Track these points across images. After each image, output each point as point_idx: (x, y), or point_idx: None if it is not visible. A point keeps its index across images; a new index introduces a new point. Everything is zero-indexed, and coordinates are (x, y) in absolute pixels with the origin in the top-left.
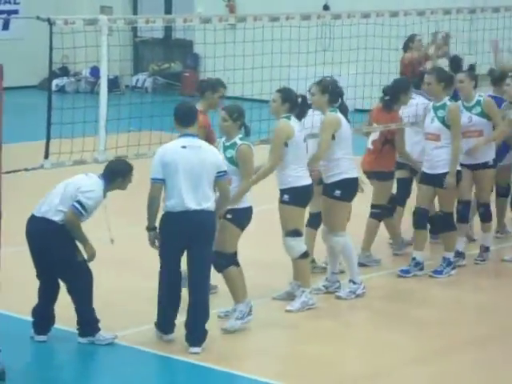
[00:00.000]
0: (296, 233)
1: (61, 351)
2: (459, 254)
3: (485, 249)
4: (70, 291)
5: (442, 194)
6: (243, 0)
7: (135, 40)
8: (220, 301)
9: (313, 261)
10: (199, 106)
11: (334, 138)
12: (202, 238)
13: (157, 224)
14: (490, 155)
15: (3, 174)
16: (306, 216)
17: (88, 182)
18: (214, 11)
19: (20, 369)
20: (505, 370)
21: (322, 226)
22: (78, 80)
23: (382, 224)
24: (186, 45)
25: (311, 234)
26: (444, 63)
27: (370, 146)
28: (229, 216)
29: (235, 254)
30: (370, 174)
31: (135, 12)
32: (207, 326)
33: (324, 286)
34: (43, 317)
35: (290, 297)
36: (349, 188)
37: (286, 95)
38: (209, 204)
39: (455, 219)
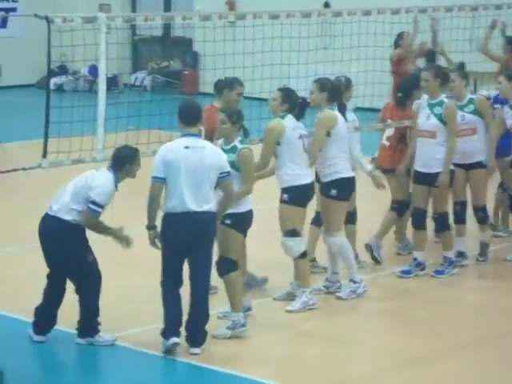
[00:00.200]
0: (294, 233)
1: (60, 352)
2: (461, 254)
3: (485, 245)
4: (77, 291)
5: (436, 194)
6: None
7: (134, 38)
8: (219, 301)
9: (313, 260)
10: (216, 104)
11: (329, 135)
12: (202, 240)
13: (157, 223)
14: (483, 154)
15: (1, 173)
16: (310, 215)
17: (98, 177)
18: (213, 9)
19: (19, 370)
20: (506, 371)
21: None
22: (76, 78)
23: None
24: (185, 43)
25: (315, 232)
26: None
27: (385, 142)
28: (228, 222)
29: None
30: (387, 171)
31: (134, 10)
32: (207, 327)
33: (324, 286)
34: (45, 318)
35: (290, 297)
36: (345, 187)
37: (287, 95)
38: (210, 206)
39: (453, 220)
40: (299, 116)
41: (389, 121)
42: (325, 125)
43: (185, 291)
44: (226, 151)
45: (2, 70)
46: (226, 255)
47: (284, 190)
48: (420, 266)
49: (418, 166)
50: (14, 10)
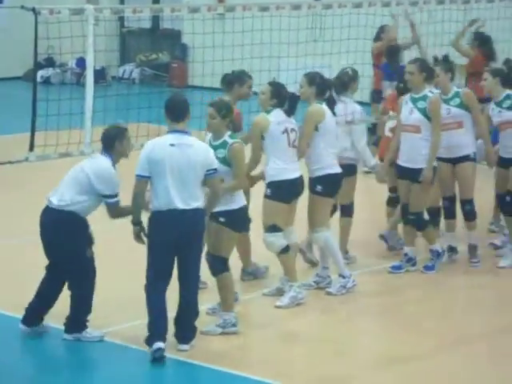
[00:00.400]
0: (274, 228)
1: (48, 348)
2: (452, 249)
3: (473, 247)
4: (71, 286)
5: (416, 191)
6: None
7: (122, 30)
8: (209, 296)
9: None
10: (225, 98)
11: (317, 129)
12: (190, 238)
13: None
14: (470, 148)
15: None
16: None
17: (97, 167)
18: (202, 1)
19: (7, 366)
20: (496, 367)
21: None
22: (63, 71)
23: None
24: (173, 35)
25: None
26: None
27: (388, 133)
28: (222, 220)
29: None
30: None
31: (122, 2)
32: (197, 323)
33: (315, 281)
34: (35, 311)
35: (280, 292)
36: (331, 184)
37: (277, 90)
38: (197, 203)
39: (443, 215)
40: (290, 111)
41: (391, 112)
42: (312, 119)
43: (172, 287)
44: (215, 147)
45: None
46: (218, 254)
47: (268, 185)
48: (411, 261)
49: (402, 161)
50: (0, 1)
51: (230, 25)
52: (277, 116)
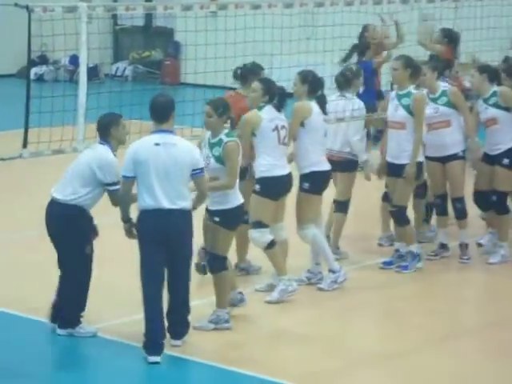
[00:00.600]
0: (259, 224)
1: (41, 343)
2: (443, 246)
3: (465, 246)
4: (65, 280)
5: (400, 186)
6: None
7: (115, 28)
8: (203, 291)
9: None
10: (241, 91)
11: (303, 125)
12: (177, 237)
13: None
14: (459, 146)
15: None
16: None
17: (97, 157)
18: None
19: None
20: (486, 362)
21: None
22: (57, 68)
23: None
24: (166, 32)
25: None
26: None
27: None
28: (216, 219)
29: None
30: None
31: None
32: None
33: (306, 277)
34: (59, 310)
35: (272, 288)
36: (317, 181)
37: (268, 87)
38: (184, 203)
39: (435, 212)
40: (280, 105)
41: None
42: (298, 115)
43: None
44: (212, 144)
45: None
46: (216, 252)
47: (257, 181)
48: (402, 257)
49: (389, 158)
50: None
51: (222, 23)
52: (269, 113)
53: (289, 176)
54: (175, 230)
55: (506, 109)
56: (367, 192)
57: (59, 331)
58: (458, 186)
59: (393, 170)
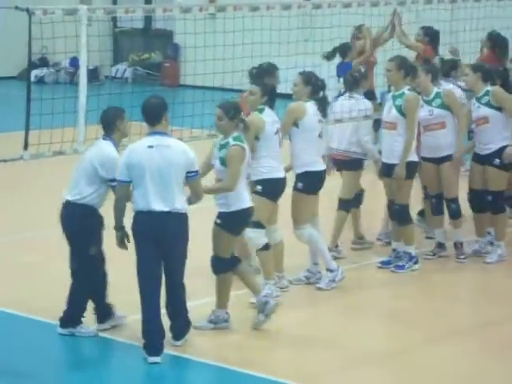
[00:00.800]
0: (256, 225)
1: (42, 343)
2: (440, 245)
3: (460, 245)
4: (72, 279)
5: (395, 186)
6: None
7: (115, 30)
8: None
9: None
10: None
11: (297, 126)
12: (170, 239)
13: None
14: (453, 148)
15: None
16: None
17: (100, 153)
18: (194, 1)
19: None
20: (485, 361)
21: None
22: (57, 71)
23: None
24: (166, 35)
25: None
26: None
27: None
28: (218, 221)
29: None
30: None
31: (115, 2)
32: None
33: (305, 276)
34: (98, 308)
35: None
36: (311, 181)
37: (266, 89)
38: (178, 205)
39: (431, 212)
40: (271, 103)
41: None
42: (292, 115)
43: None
44: (221, 146)
45: None
46: (218, 254)
47: (258, 182)
48: (400, 257)
49: (383, 157)
50: None
51: (221, 25)
52: (270, 115)
53: (285, 179)
54: (168, 232)
55: (498, 108)
56: (380, 191)
57: (60, 330)
58: (452, 188)
59: (385, 170)
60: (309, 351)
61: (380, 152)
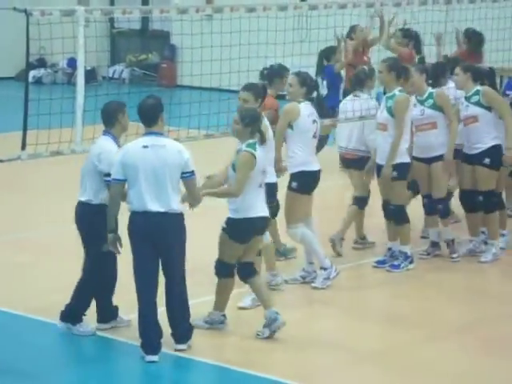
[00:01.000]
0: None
1: (40, 342)
2: (435, 244)
3: (451, 242)
4: (83, 273)
5: (389, 186)
6: None
7: (112, 31)
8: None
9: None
10: (270, 92)
11: (291, 127)
12: (168, 240)
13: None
14: (443, 148)
15: None
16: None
17: (100, 149)
18: (190, 2)
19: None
20: (483, 358)
21: None
22: (55, 71)
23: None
24: (163, 36)
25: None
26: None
27: None
28: (224, 226)
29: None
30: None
31: (112, 3)
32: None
33: (301, 276)
34: (100, 307)
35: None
36: (305, 181)
37: (259, 93)
38: (174, 205)
39: (424, 212)
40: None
41: None
42: (286, 117)
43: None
44: (236, 152)
45: None
46: (223, 259)
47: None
48: (395, 256)
49: (376, 158)
50: None
51: (217, 26)
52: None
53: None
54: (164, 233)
55: (488, 108)
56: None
57: (58, 323)
58: (440, 187)
59: (379, 171)
60: (307, 351)
61: None
